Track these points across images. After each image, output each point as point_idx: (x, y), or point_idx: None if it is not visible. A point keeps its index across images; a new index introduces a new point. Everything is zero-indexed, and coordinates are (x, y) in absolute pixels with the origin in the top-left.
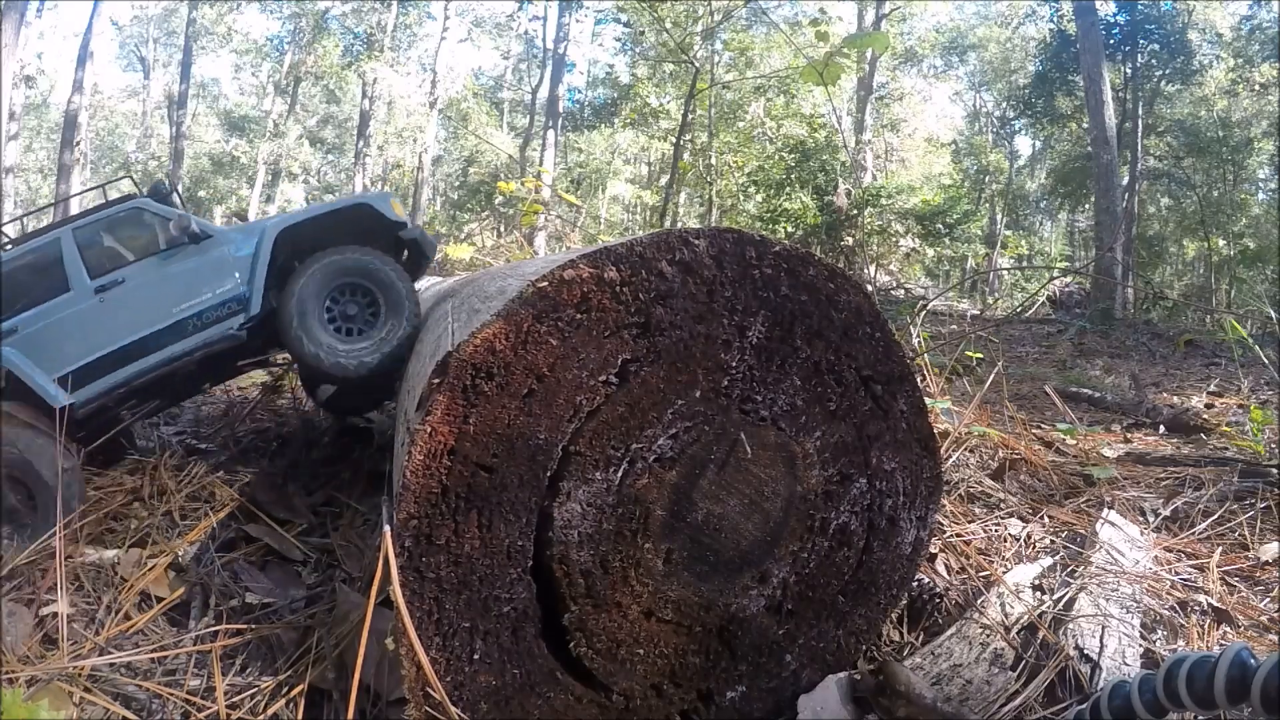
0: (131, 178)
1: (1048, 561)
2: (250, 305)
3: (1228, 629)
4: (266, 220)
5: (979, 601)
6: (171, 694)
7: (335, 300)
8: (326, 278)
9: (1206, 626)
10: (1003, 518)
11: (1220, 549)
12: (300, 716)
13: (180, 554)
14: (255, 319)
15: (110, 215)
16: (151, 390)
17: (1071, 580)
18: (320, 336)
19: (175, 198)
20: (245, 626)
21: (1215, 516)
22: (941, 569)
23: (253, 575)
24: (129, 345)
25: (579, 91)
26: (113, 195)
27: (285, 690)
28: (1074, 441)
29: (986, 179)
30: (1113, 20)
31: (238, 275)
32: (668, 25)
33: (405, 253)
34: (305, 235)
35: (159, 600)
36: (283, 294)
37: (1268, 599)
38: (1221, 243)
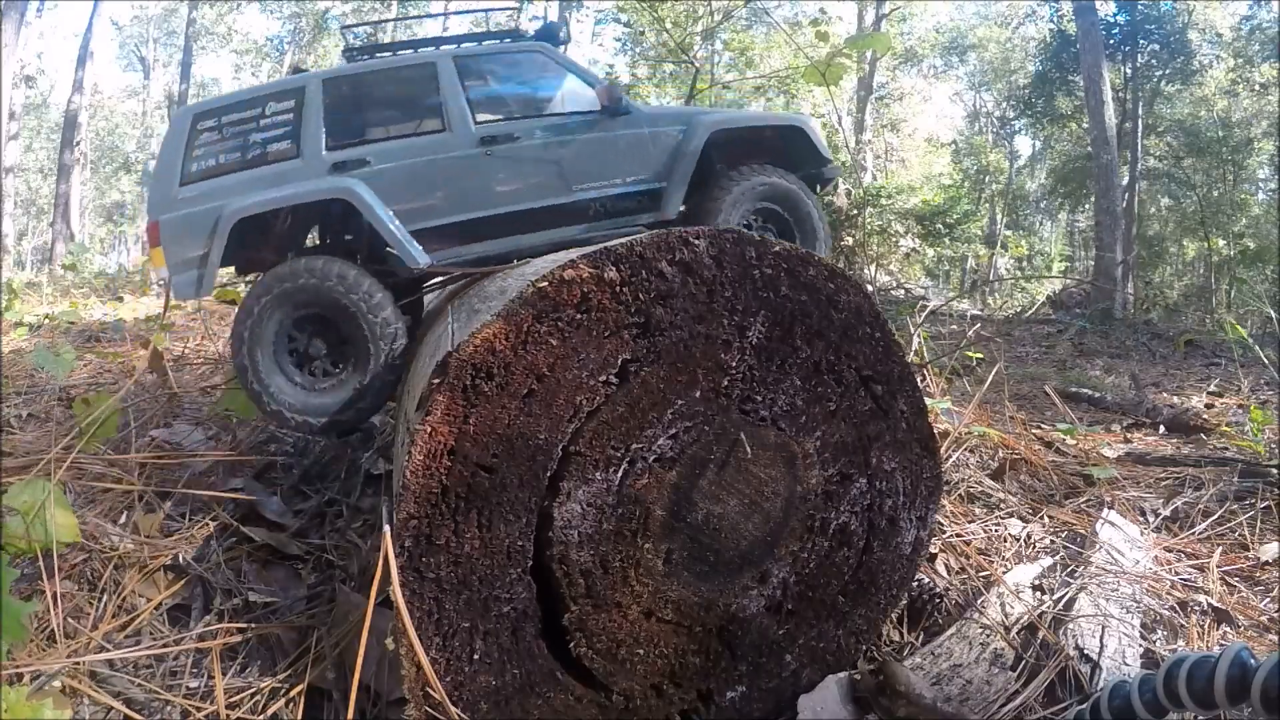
0: (516, 28)
1: (1048, 561)
2: (665, 205)
3: (1228, 629)
4: (691, 111)
5: (979, 601)
6: (171, 696)
7: (748, 225)
8: (750, 199)
9: (1206, 626)
10: (1003, 518)
11: (1220, 549)
12: (300, 716)
13: (180, 556)
14: (665, 223)
15: (502, 52)
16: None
17: (1071, 580)
18: None
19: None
20: (245, 626)
21: (1215, 516)
22: (941, 569)
23: (256, 574)
24: (514, 215)
25: None
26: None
27: (285, 690)
28: (1074, 441)
29: (986, 179)
30: (1113, 20)
31: (656, 166)
32: (668, 25)
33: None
34: (733, 142)
35: (160, 599)
36: (703, 202)
37: (1268, 599)
38: (1221, 243)
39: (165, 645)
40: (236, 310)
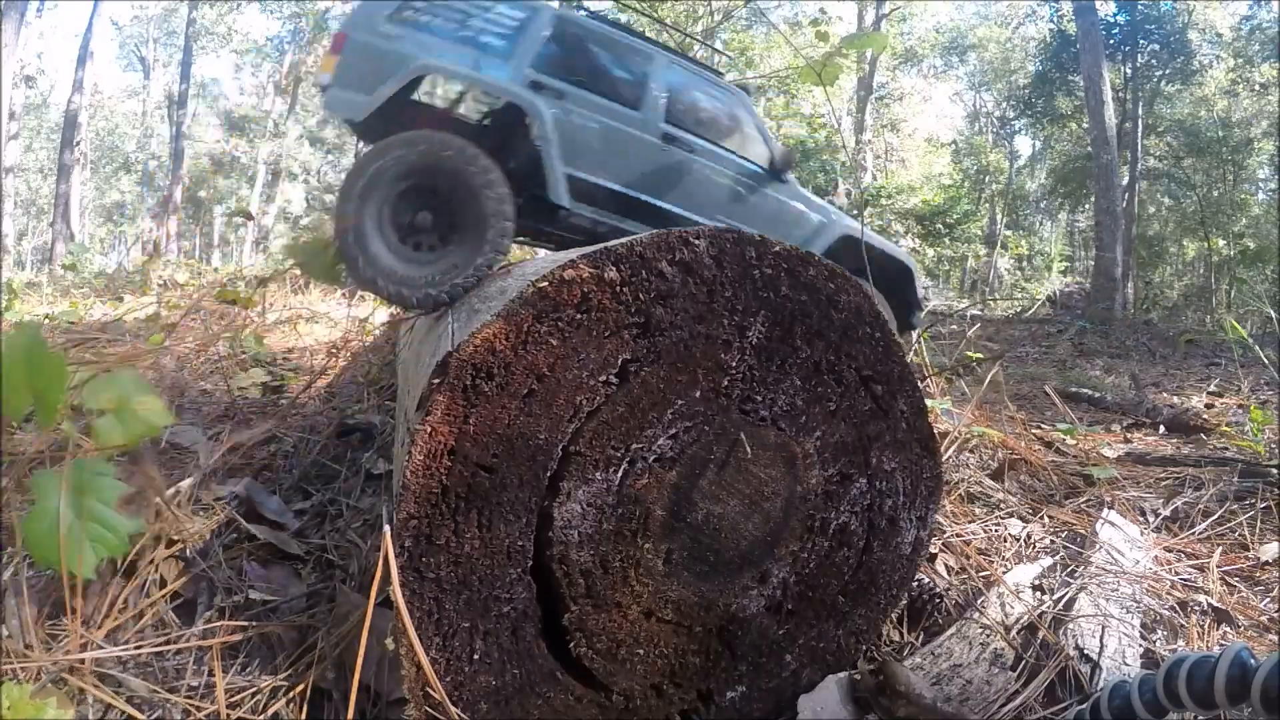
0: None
1: (1048, 561)
2: None
3: (1228, 629)
4: (834, 209)
5: (979, 601)
6: (172, 695)
7: None
8: None
9: (1206, 626)
10: (1003, 518)
11: (1220, 549)
12: (301, 716)
13: (188, 548)
14: None
15: (709, 79)
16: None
17: (1071, 580)
18: None
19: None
20: (246, 625)
21: (1215, 516)
22: (941, 569)
23: (256, 572)
24: (654, 207)
25: None
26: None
27: (286, 690)
28: (1074, 441)
29: (986, 179)
30: (1113, 20)
31: (787, 239)
32: (668, 25)
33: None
34: (848, 253)
35: (165, 593)
36: None
37: (1268, 599)
38: (1221, 243)
39: (167, 643)
40: (350, 168)
